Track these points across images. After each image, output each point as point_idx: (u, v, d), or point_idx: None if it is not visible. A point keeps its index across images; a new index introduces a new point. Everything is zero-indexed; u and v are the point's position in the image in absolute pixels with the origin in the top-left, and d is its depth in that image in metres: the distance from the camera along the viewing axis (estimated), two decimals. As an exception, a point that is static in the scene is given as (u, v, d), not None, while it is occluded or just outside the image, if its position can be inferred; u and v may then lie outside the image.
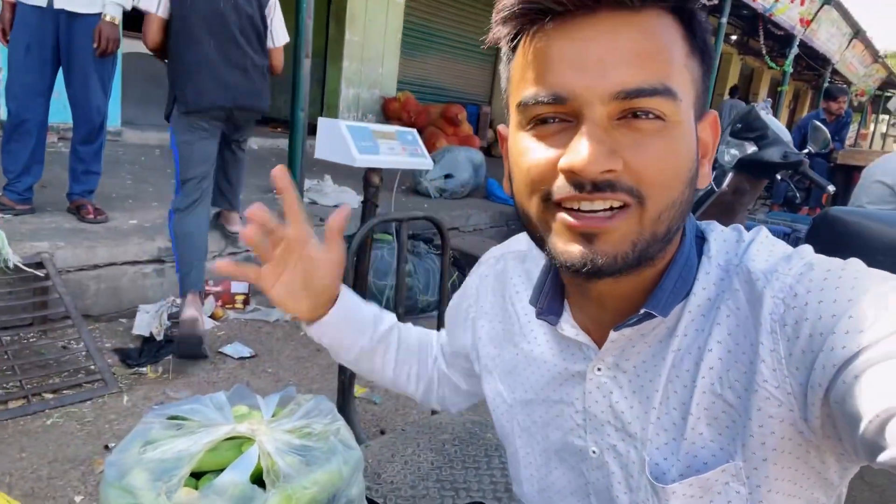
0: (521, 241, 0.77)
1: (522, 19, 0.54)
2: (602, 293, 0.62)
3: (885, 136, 25.59)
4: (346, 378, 1.74)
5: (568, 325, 0.67)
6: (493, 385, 0.79)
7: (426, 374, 0.96)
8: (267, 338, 2.82)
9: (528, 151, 0.56)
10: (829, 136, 2.91)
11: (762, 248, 0.58)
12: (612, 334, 0.61)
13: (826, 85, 9.60)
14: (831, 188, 2.60)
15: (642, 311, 0.58)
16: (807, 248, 0.57)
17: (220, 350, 2.60)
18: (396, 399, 2.42)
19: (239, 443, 1.22)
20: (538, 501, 0.77)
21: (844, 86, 9.08)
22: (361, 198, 1.93)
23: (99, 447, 1.83)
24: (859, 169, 5.12)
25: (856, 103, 16.85)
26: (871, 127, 23.27)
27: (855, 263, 0.53)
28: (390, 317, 0.93)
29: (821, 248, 0.58)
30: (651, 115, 0.51)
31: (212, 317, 2.88)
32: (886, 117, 23.62)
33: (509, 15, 0.54)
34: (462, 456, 1.78)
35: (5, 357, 2.16)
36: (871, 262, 0.53)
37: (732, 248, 0.60)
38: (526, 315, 0.74)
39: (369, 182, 1.83)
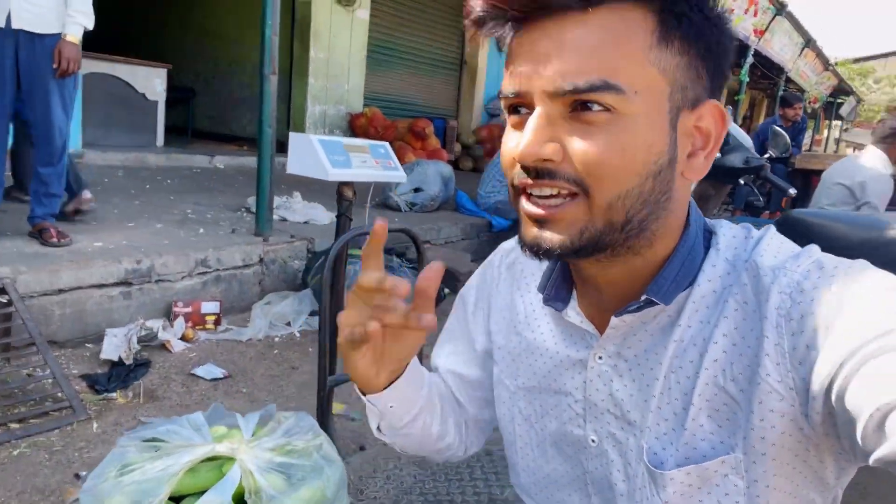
0: None
1: (486, 23, 0.57)
2: (594, 277, 0.64)
3: (838, 141, 26.45)
4: (324, 395, 1.72)
5: (573, 312, 0.68)
6: (497, 372, 0.79)
7: (460, 421, 0.85)
8: (240, 357, 2.77)
9: (504, 140, 0.60)
10: (788, 140, 3.01)
11: (771, 245, 0.59)
12: (614, 320, 0.63)
13: (782, 92, 9.90)
14: (792, 191, 2.67)
15: (643, 297, 0.60)
16: (815, 248, 0.57)
17: (192, 372, 2.55)
18: (375, 414, 2.39)
19: (219, 463, 1.20)
20: (535, 492, 0.78)
21: (799, 93, 9.37)
22: (332, 214, 1.92)
23: (69, 476, 1.77)
24: (817, 173, 5.28)
25: (809, 110, 17.41)
26: (825, 132, 24.04)
27: (862, 263, 0.54)
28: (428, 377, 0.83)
29: None
30: (598, 107, 0.53)
31: (182, 338, 2.82)
32: (839, 123, 24.43)
33: (473, 19, 0.57)
34: (444, 468, 1.78)
35: (-33, 387, 2.09)
36: None
37: (741, 244, 0.61)
38: (531, 304, 0.75)
39: (343, 196, 1.83)
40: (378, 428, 0.78)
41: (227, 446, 1.20)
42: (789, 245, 0.59)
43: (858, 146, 28.17)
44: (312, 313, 3.24)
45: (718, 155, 2.89)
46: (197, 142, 7.90)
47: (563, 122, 0.54)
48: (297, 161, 1.72)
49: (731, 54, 0.59)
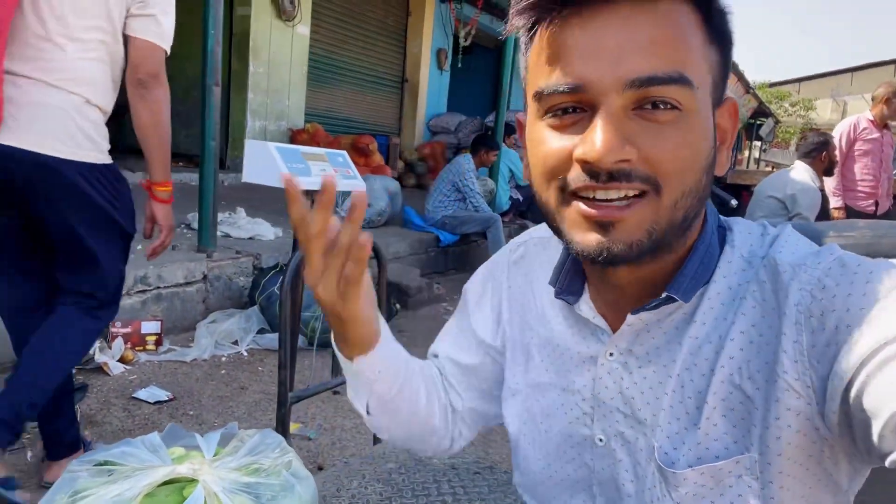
0: (543, 228, 0.76)
1: (539, 9, 0.54)
2: (621, 279, 0.62)
3: (758, 160, 27.95)
4: (285, 412, 1.65)
5: (586, 307, 0.67)
6: (508, 368, 0.78)
7: (445, 403, 0.85)
8: (185, 378, 2.64)
9: (544, 141, 0.56)
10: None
11: (789, 242, 0.58)
12: (630, 318, 0.61)
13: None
14: (734, 202, 2.78)
15: (664, 294, 0.58)
16: (835, 246, 0.56)
17: (133, 395, 2.41)
18: (332, 432, 2.32)
19: (180, 486, 1.12)
20: (538, 492, 0.76)
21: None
22: (277, 230, 1.86)
23: (2, 511, 1.63)
24: (747, 188, 5.55)
25: (733, 131, 18.32)
26: (746, 152, 25.38)
27: (886, 263, 0.53)
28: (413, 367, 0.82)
29: None
30: (667, 106, 0.52)
31: (121, 360, 2.67)
32: (758, 143, 25.85)
33: (527, 5, 0.54)
34: (411, 484, 1.72)
35: None
36: None
37: (757, 241, 0.60)
38: (542, 299, 0.74)
39: (300, 206, 1.77)
40: (367, 410, 0.77)
41: (189, 467, 1.12)
42: (807, 242, 0.59)
43: (777, 165, 29.85)
44: (261, 331, 3.13)
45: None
46: (129, 158, 7.58)
47: (629, 122, 0.52)
48: (253, 168, 1.66)
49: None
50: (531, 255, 0.78)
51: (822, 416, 0.52)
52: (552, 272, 0.70)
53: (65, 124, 1.50)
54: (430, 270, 5.05)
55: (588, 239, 0.55)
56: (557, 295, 0.68)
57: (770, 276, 0.56)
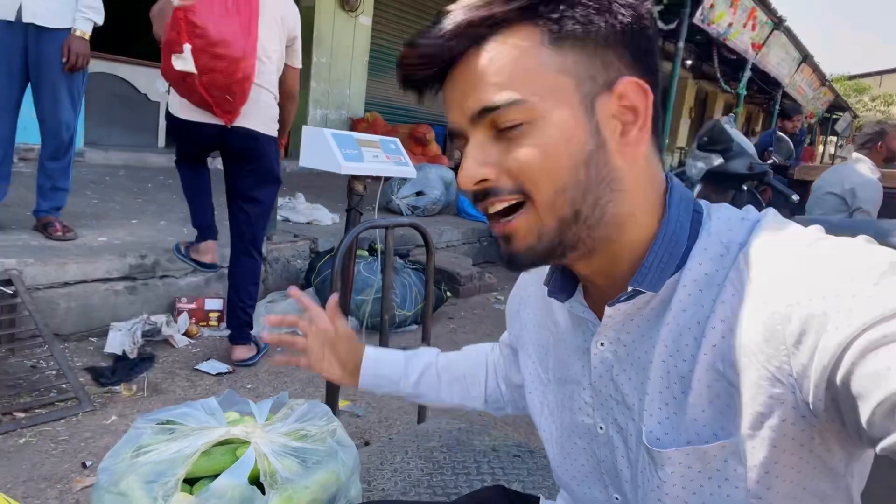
0: None
1: (418, 89, 0.64)
2: (584, 271, 0.66)
3: (833, 156, 26.61)
4: (332, 388, 1.72)
5: (577, 303, 0.69)
6: (530, 367, 0.82)
7: (485, 393, 1.03)
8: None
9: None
10: (792, 146, 3.04)
11: (769, 228, 0.58)
12: (608, 310, 0.64)
13: (780, 105, 9.96)
14: (795, 197, 2.70)
15: (629, 288, 0.61)
16: (814, 228, 0.57)
17: (196, 367, 2.55)
18: (380, 411, 2.40)
19: (233, 447, 1.21)
20: (568, 485, 0.79)
21: (798, 105, 9.43)
22: (335, 216, 1.93)
23: (76, 465, 1.77)
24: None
25: (805, 125, 17.50)
26: (821, 148, 24.19)
27: (860, 241, 0.53)
28: (424, 359, 1.04)
29: None
30: (510, 125, 0.58)
31: (186, 334, 2.82)
32: (834, 139, 24.61)
33: (409, 90, 0.65)
34: (451, 462, 1.77)
35: (-28, 377, 2.09)
36: None
37: (736, 226, 0.60)
38: (551, 297, 0.77)
39: (353, 190, 1.84)
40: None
41: (242, 430, 1.20)
42: (789, 227, 0.58)
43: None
44: (315, 312, 3.24)
45: (721, 160, 2.92)
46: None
47: (491, 146, 0.60)
48: (309, 154, 1.73)
49: (645, 23, 0.60)
50: None
51: (807, 403, 0.51)
52: (548, 271, 0.73)
53: (267, 113, 2.54)
54: (482, 260, 5.09)
55: (502, 251, 0.63)
56: (550, 294, 0.71)
57: (748, 264, 0.56)
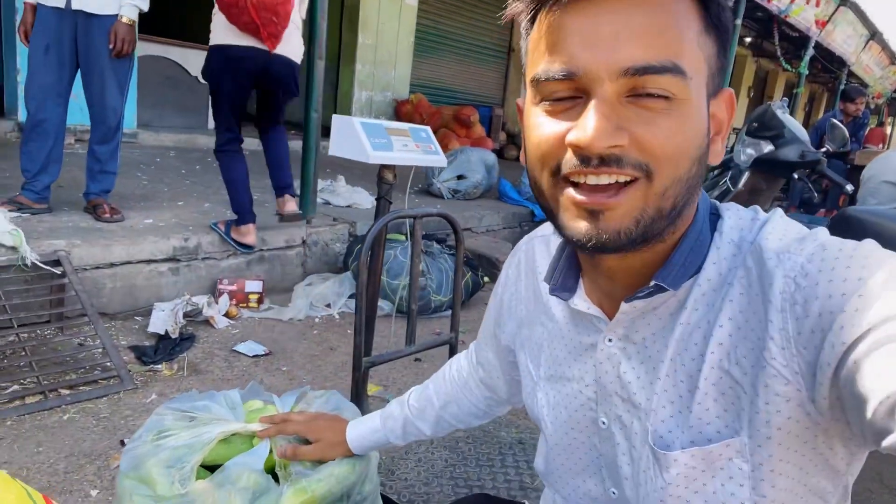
0: (548, 226, 0.79)
1: None
2: (612, 267, 0.63)
3: (902, 138, 25.24)
4: (359, 376, 1.74)
5: (581, 301, 0.68)
6: (524, 364, 0.81)
7: (474, 409, 1.03)
8: (281, 336, 2.83)
9: (539, 126, 0.57)
10: (846, 133, 2.89)
11: (777, 228, 0.58)
12: (624, 306, 0.63)
13: (843, 86, 9.49)
14: (850, 187, 2.57)
15: (653, 283, 0.59)
16: (821, 230, 0.56)
17: (234, 348, 2.61)
18: (409, 398, 2.41)
19: (251, 436, 1.22)
20: (552, 479, 0.79)
21: (862, 87, 8.96)
22: (374, 198, 1.93)
23: (115, 442, 1.84)
24: (877, 170, 5.06)
25: (872, 105, 16.65)
26: (889, 129, 22.97)
27: (868, 244, 0.52)
28: (398, 416, 1.07)
29: None
30: (660, 95, 0.52)
31: (226, 315, 2.89)
32: (905, 120, 23.29)
33: None
34: (476, 454, 1.78)
35: (22, 353, 2.19)
36: None
37: (747, 226, 0.60)
38: (546, 293, 0.76)
39: (383, 179, 1.83)
40: None
41: (259, 425, 1.22)
42: (796, 227, 0.58)
43: (925, 145, 26.82)
44: (352, 296, 3.27)
45: (772, 148, 2.79)
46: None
47: (622, 108, 0.53)
48: (339, 143, 1.73)
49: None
50: (535, 252, 0.81)
51: (812, 401, 0.52)
52: (548, 269, 0.72)
53: (298, 45, 2.98)
54: (523, 245, 5.03)
55: (578, 226, 0.56)
56: (552, 292, 0.70)
57: (756, 263, 0.56)
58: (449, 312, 3.33)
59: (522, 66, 0.63)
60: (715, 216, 0.63)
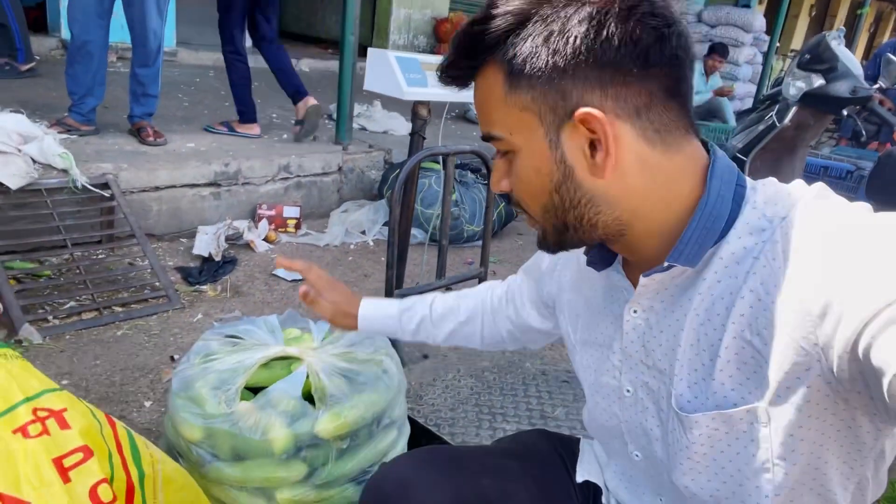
0: None
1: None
2: (624, 249, 0.69)
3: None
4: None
5: (615, 272, 0.73)
6: (564, 327, 0.87)
7: (481, 335, 1.07)
8: (317, 261, 2.93)
9: None
10: (904, 67, 2.73)
11: (808, 205, 0.59)
12: (642, 280, 0.67)
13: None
14: (902, 127, 2.46)
15: (665, 264, 0.63)
16: (857, 206, 0.58)
17: (273, 272, 2.72)
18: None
19: (289, 362, 1.32)
20: (593, 432, 0.87)
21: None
22: (409, 127, 1.94)
23: (165, 358, 1.99)
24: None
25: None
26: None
27: (891, 221, 0.54)
28: (419, 312, 1.07)
29: (883, 186, 0.60)
30: (503, 150, 0.67)
31: (265, 240, 2.99)
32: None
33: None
34: (500, 383, 1.87)
35: (77, 272, 2.33)
36: None
37: (783, 200, 0.61)
38: (585, 263, 0.79)
39: (417, 115, 1.84)
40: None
41: (297, 349, 1.31)
42: (828, 205, 0.59)
43: None
44: (386, 223, 3.34)
45: (823, 82, 2.67)
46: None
47: (502, 162, 0.68)
48: (374, 77, 1.74)
49: (607, 32, 0.57)
50: None
51: (832, 372, 0.54)
52: None
53: None
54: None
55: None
56: (589, 263, 0.74)
57: (782, 237, 0.58)
58: (481, 242, 3.38)
59: None
60: (741, 188, 0.63)
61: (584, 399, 0.86)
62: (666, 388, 0.68)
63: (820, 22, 15.16)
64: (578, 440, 0.98)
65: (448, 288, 2.81)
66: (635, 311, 0.70)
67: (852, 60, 2.58)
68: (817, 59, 2.64)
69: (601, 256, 0.73)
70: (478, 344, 1.07)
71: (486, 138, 0.67)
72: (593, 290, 0.79)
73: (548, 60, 0.58)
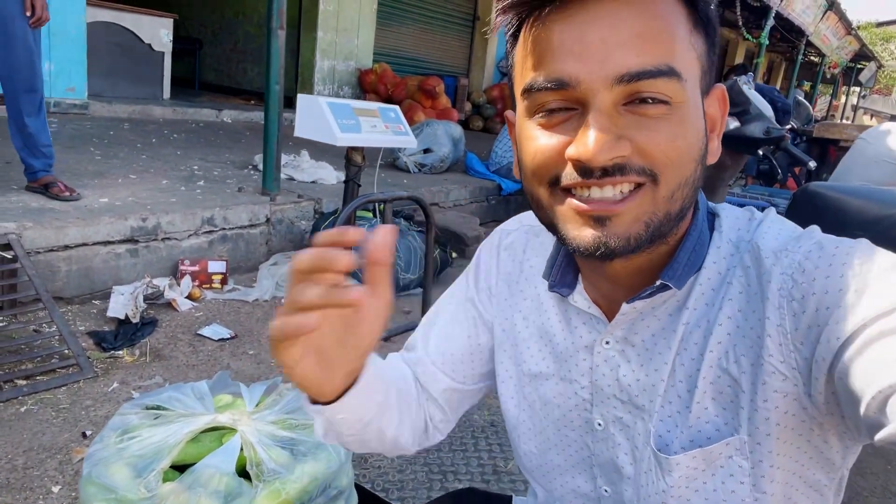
0: (532, 215, 0.73)
1: (522, 7, 0.54)
2: (616, 271, 0.62)
3: (855, 108, 25.90)
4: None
5: (581, 298, 0.67)
6: (501, 357, 0.77)
7: (418, 411, 0.79)
8: (247, 318, 2.77)
9: (535, 139, 0.56)
10: (812, 111, 2.91)
11: (773, 227, 0.58)
12: (625, 307, 0.61)
13: (801, 56, 9.61)
14: (812, 164, 2.61)
15: (658, 282, 0.59)
16: (815, 229, 0.57)
17: (198, 332, 2.55)
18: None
19: (221, 434, 1.19)
20: (538, 475, 0.77)
21: (819, 58, 9.02)
22: (340, 174, 1.88)
23: (76, 434, 1.79)
24: (835, 142, 5.14)
25: (828, 75, 16.97)
26: (843, 99, 23.52)
27: (864, 243, 0.53)
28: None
29: (800, 223, 0.61)
30: (657, 100, 0.51)
31: (189, 297, 2.81)
32: (857, 89, 23.88)
33: (509, 4, 0.54)
34: (448, 439, 1.78)
35: (-27, 343, 2.09)
36: (850, 237, 0.55)
37: (744, 226, 0.60)
38: (537, 289, 0.73)
39: (351, 161, 1.78)
40: (323, 434, 0.68)
41: (229, 417, 1.19)
42: (790, 226, 0.59)
43: (877, 114, 27.58)
44: (319, 275, 3.22)
45: (737, 124, 2.81)
46: (204, 94, 7.80)
47: (621, 117, 0.52)
48: (305, 124, 1.67)
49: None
50: (522, 242, 0.77)
51: (808, 396, 0.53)
52: (545, 265, 0.70)
53: None
54: (490, 219, 5.02)
55: (583, 234, 0.54)
56: (551, 288, 0.68)
57: (753, 262, 0.57)
58: (419, 290, 3.30)
59: (510, 78, 0.61)
60: (711, 214, 0.63)
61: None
62: (644, 424, 0.63)
63: (719, 72, 16.30)
64: (510, 498, 0.91)
65: (386, 339, 2.72)
66: (608, 343, 0.65)
67: (763, 103, 2.73)
68: (731, 102, 2.77)
69: (563, 280, 0.67)
70: (409, 437, 0.78)
71: (642, 75, 0.49)
72: (547, 317, 0.71)
73: (716, 17, 0.56)
